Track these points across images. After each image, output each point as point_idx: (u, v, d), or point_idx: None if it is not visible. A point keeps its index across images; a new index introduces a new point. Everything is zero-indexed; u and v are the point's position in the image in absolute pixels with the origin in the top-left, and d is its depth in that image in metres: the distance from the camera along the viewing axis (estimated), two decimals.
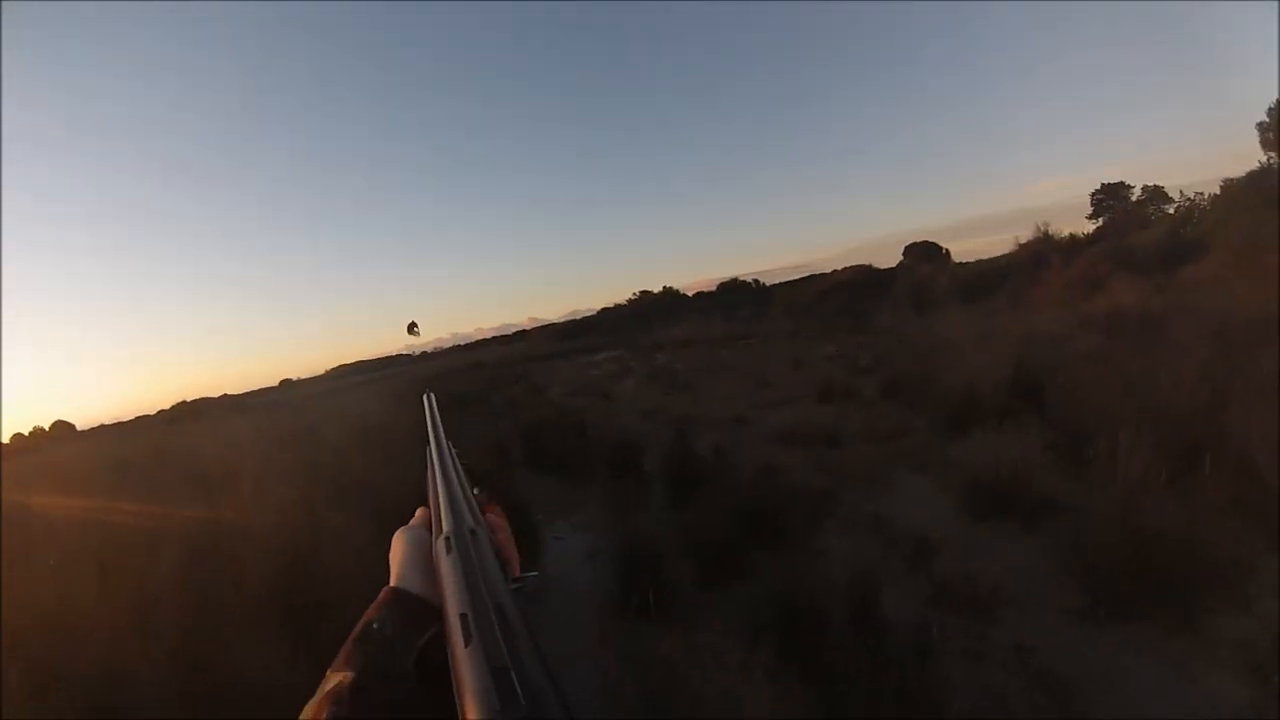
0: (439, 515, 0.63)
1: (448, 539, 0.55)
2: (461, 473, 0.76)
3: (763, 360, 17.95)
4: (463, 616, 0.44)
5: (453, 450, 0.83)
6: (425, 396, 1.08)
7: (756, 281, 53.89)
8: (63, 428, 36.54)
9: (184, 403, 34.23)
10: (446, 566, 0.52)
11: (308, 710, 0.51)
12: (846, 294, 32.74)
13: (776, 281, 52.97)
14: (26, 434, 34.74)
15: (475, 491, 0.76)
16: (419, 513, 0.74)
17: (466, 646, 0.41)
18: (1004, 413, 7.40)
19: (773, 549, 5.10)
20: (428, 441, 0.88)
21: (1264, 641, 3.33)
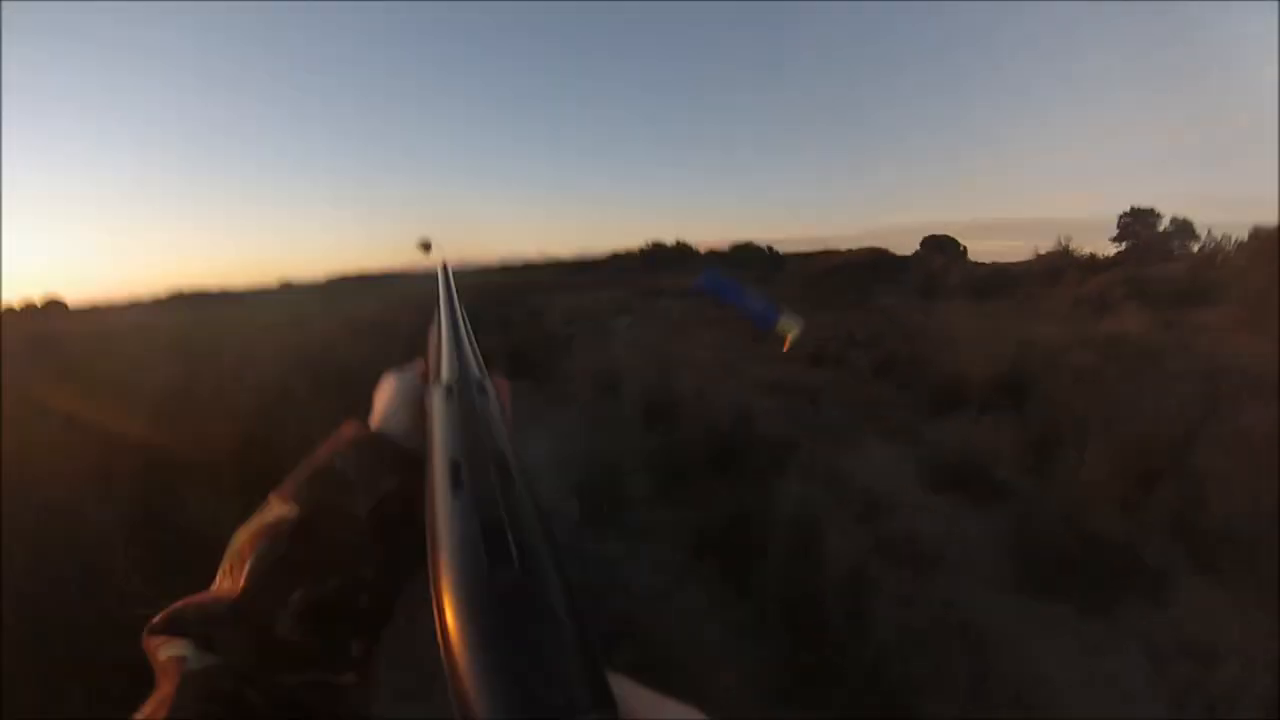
0: (439, 367, 0.57)
1: (449, 388, 0.49)
2: (472, 334, 0.66)
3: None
4: (454, 463, 0.38)
5: (465, 316, 0.72)
6: (440, 266, 0.95)
7: (770, 248, 53.56)
8: (55, 304, 36.25)
9: (180, 293, 34.02)
10: (443, 410, 0.46)
11: (241, 534, 0.49)
12: (857, 272, 32.73)
13: (791, 251, 52.72)
14: (16, 308, 34.56)
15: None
16: (415, 364, 0.68)
17: (454, 492, 0.36)
18: (985, 405, 7.63)
19: (732, 482, 5.32)
20: (437, 302, 0.78)
21: (1167, 637, 3.62)
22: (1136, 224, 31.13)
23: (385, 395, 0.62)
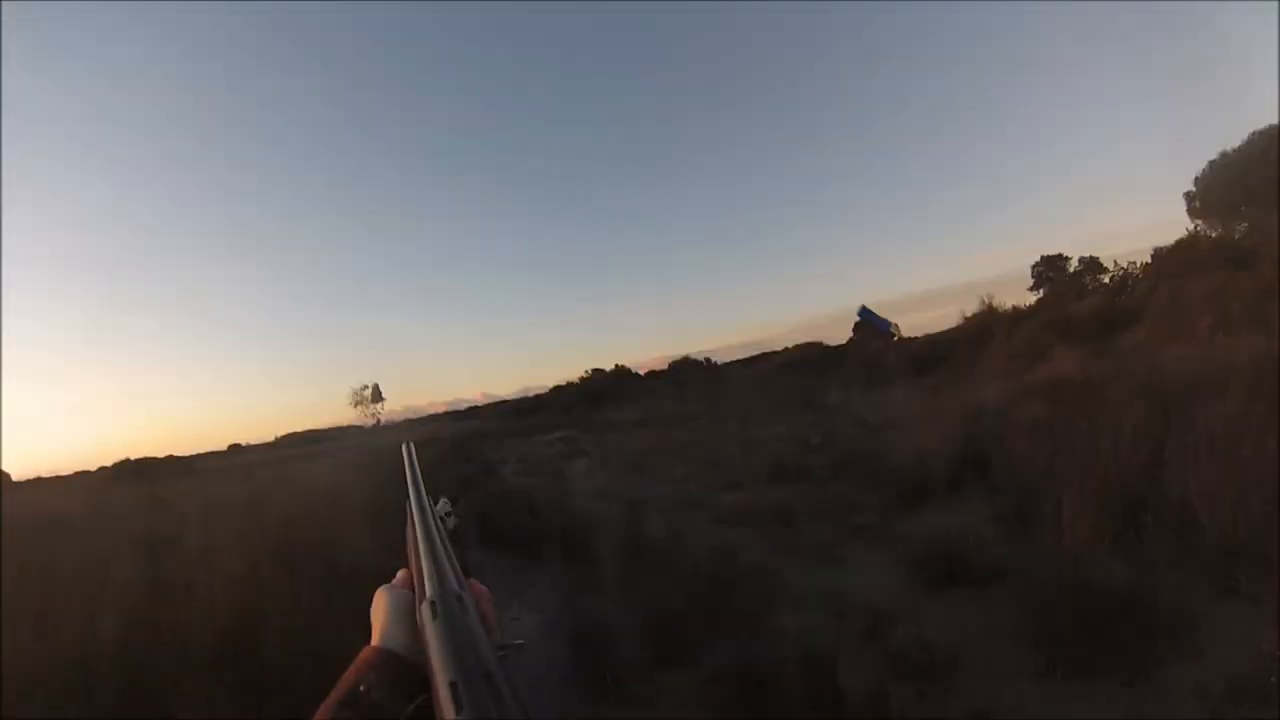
0: (422, 578, 0.62)
1: (433, 604, 0.54)
2: (444, 533, 0.74)
3: (714, 440, 18.10)
4: (453, 685, 0.43)
5: (433, 508, 0.81)
6: (404, 446, 1.02)
7: (708, 360, 54.63)
8: None
9: (127, 461, 32.74)
10: (433, 632, 0.51)
11: None
12: (797, 371, 33.40)
13: (729, 360, 53.80)
14: None
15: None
16: (400, 574, 0.74)
17: (458, 716, 0.41)
18: (952, 485, 7.64)
19: (727, 627, 5.11)
20: (407, 496, 0.85)
21: (1218, 685, 3.49)
22: (1049, 269, 32.99)
23: (380, 612, 0.66)
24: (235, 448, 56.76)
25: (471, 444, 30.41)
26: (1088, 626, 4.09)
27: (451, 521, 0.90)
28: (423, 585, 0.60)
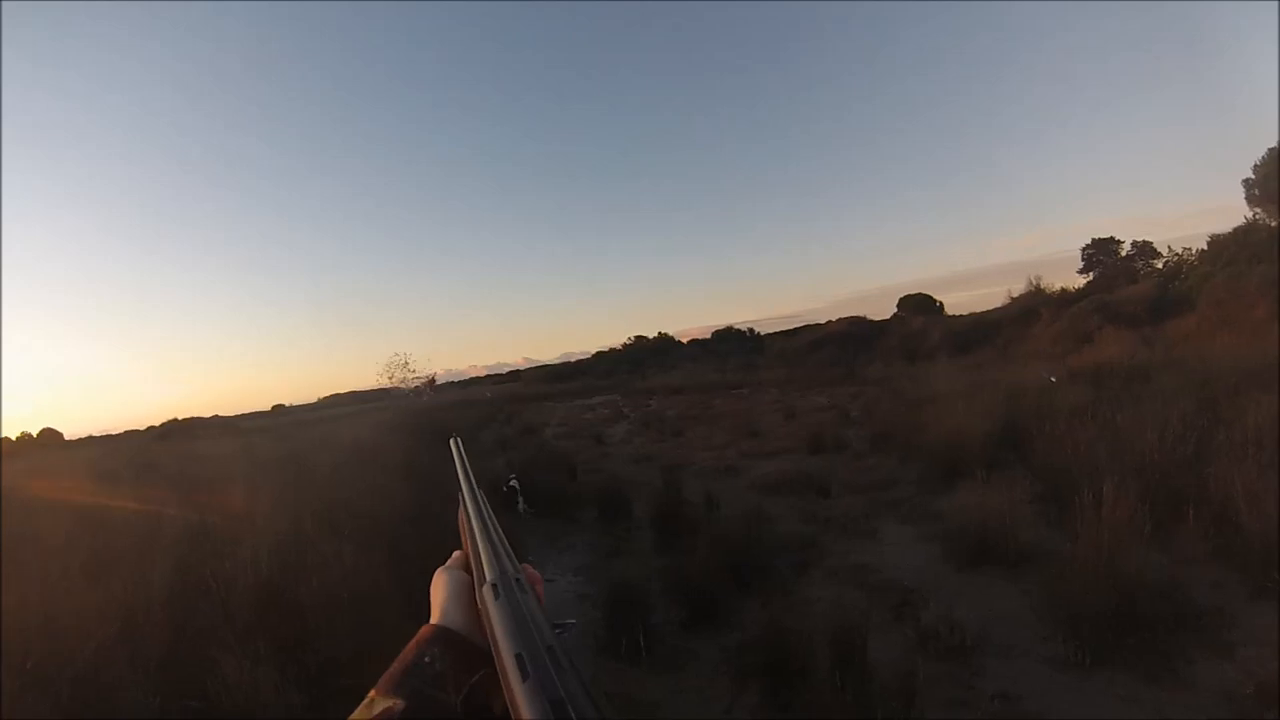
0: (479, 561, 0.64)
1: (494, 586, 0.57)
2: (495, 520, 0.74)
3: (755, 409, 18.03)
4: (518, 656, 0.46)
5: (483, 496, 0.81)
6: (452, 441, 1.02)
7: (751, 330, 54.29)
8: (51, 436, 36.03)
9: (175, 420, 33.95)
10: (496, 611, 0.54)
11: None
12: (839, 345, 32.96)
13: (771, 331, 53.35)
14: (14, 439, 34.41)
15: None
16: (455, 555, 0.75)
17: (525, 681, 0.43)
18: (991, 465, 7.47)
19: (759, 596, 5.10)
20: (459, 486, 0.85)
21: (1246, 687, 3.38)
22: (1100, 253, 31.81)
23: (440, 592, 0.67)
24: (279, 408, 58.28)
25: (512, 407, 30.76)
26: (1119, 617, 3.99)
27: (520, 505, 0.87)
28: (481, 569, 0.63)
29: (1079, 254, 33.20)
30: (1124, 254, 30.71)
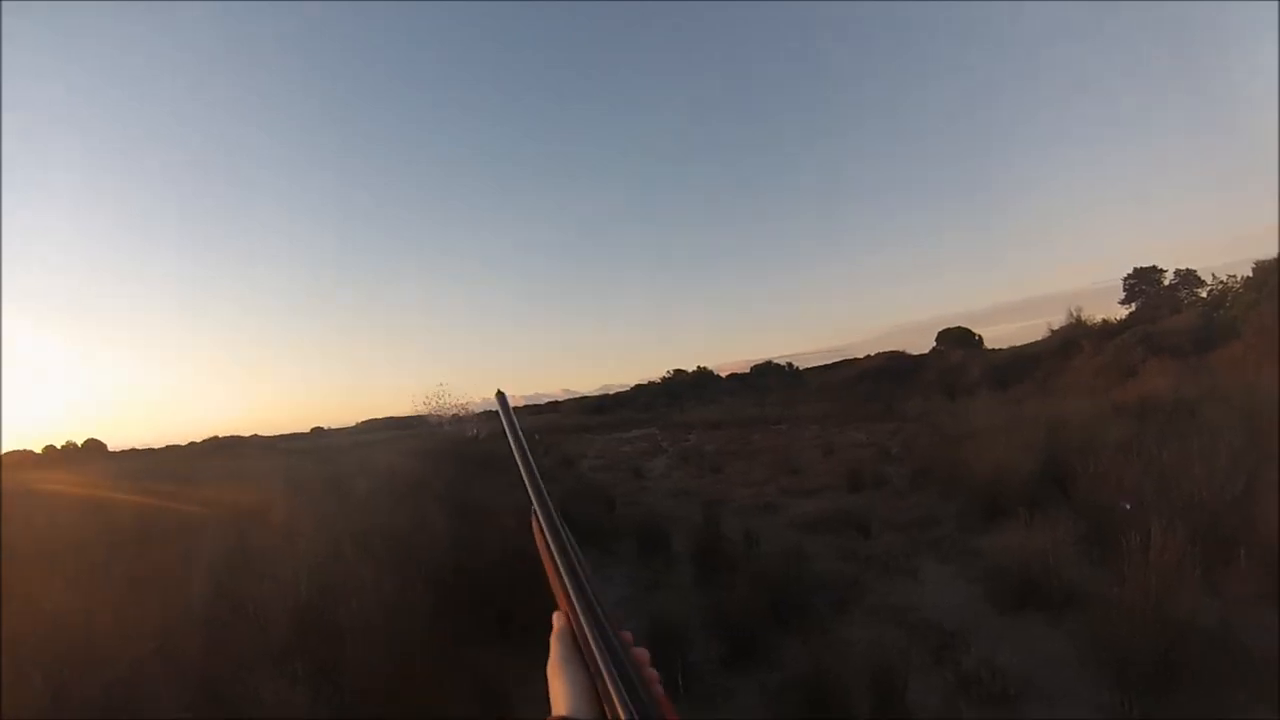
0: (587, 641, 0.65)
1: (619, 685, 0.57)
2: (583, 562, 0.73)
3: (793, 445, 17.85)
4: None
5: (568, 532, 0.75)
6: (497, 396, 0.86)
7: (790, 365, 53.92)
8: (95, 446, 36.87)
9: (216, 438, 34.72)
10: (619, 692, 0.56)
11: None
12: (878, 379, 32.59)
13: (809, 365, 52.95)
14: (59, 447, 35.27)
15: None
16: (557, 621, 0.74)
17: None
18: (1033, 502, 7.29)
19: (798, 634, 5.02)
20: (536, 515, 0.78)
21: None
22: (1142, 283, 31.10)
23: (561, 683, 0.66)
24: (318, 430, 59.23)
25: (550, 438, 30.86)
26: (1168, 664, 3.84)
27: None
28: (590, 650, 0.63)
29: (1120, 284, 32.56)
30: (1167, 283, 30.01)
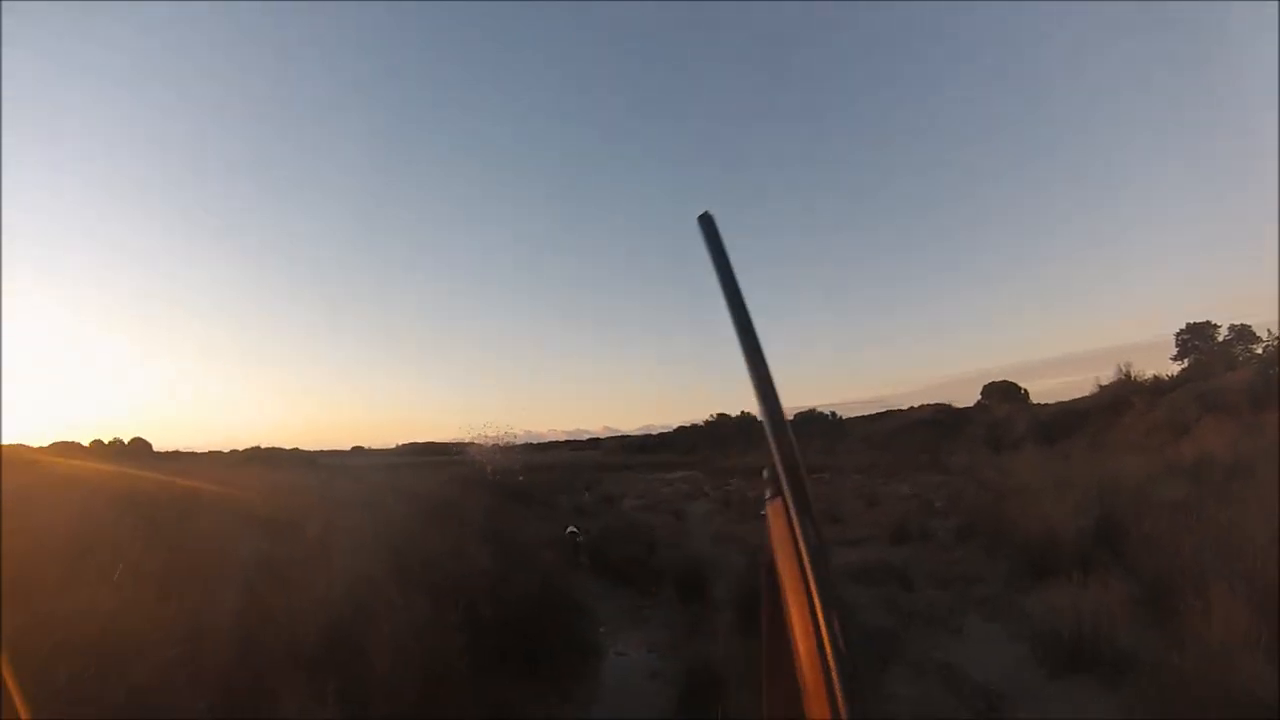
0: (823, 639, 0.54)
1: (849, 687, 0.50)
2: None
3: (836, 494, 17.48)
4: None
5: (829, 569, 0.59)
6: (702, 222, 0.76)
7: (833, 413, 53.14)
8: (141, 445, 37.32)
9: (258, 448, 35.13)
10: None
11: None
12: (923, 431, 31.87)
13: (853, 415, 52.12)
14: (106, 442, 35.88)
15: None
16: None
17: None
18: (1084, 562, 6.98)
19: None
20: (780, 487, 0.63)
21: None
22: (1195, 338, 30.00)
23: None
24: (358, 449, 59.88)
25: (591, 475, 30.75)
26: None
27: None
28: (827, 648, 0.53)
29: (1173, 339, 31.47)
30: (1221, 339, 28.93)
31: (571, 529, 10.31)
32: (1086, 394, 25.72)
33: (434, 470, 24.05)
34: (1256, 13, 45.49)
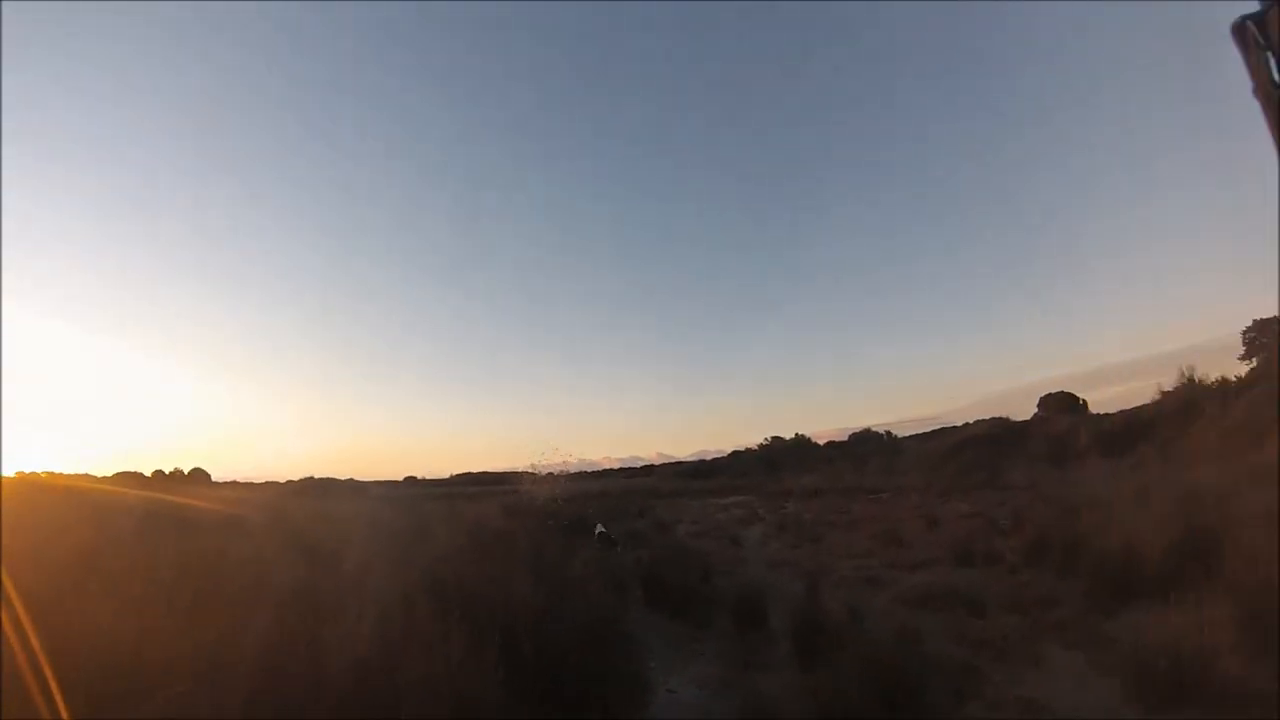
0: None
1: None
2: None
3: (896, 515, 16.78)
4: None
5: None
6: None
7: (888, 433, 51.76)
8: (200, 475, 38.23)
9: (311, 478, 35.63)
10: None
11: None
12: (980, 448, 30.62)
13: (908, 434, 50.68)
14: (168, 472, 36.85)
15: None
16: None
17: None
18: (1168, 581, 6.36)
19: None
20: None
21: None
22: (1262, 335, 27.89)
23: None
24: (410, 479, 60.46)
25: (645, 501, 30.28)
26: None
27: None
28: None
29: (1239, 338, 29.44)
30: None
31: (601, 529, 10.06)
32: (1150, 401, 24.36)
33: (485, 500, 23.89)
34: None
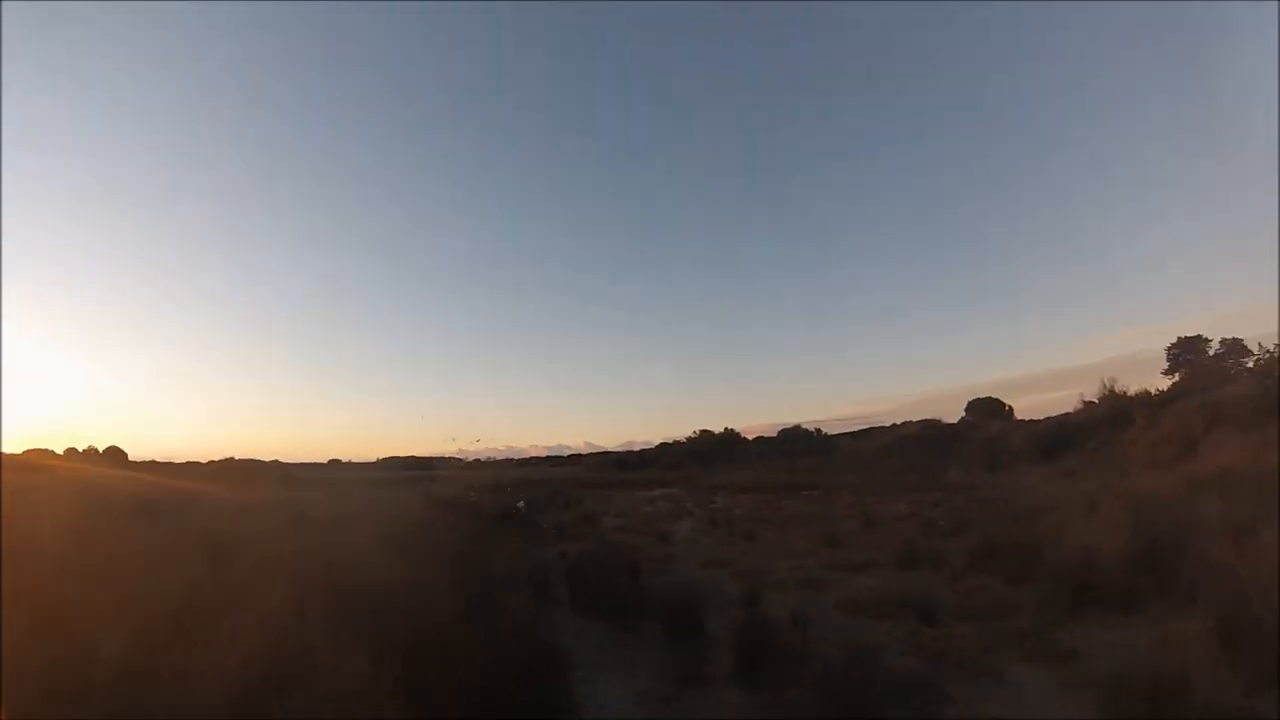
0: None
1: None
2: None
3: (831, 513, 16.66)
4: None
5: None
6: None
7: (818, 430, 52.36)
8: (116, 454, 36.08)
9: (232, 459, 34.03)
10: None
11: None
12: (913, 448, 31.14)
13: (838, 432, 51.40)
14: (80, 450, 34.63)
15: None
16: None
17: None
18: (1127, 590, 6.17)
19: None
20: None
21: None
22: (1186, 352, 29.54)
23: None
24: (334, 462, 58.63)
25: (572, 491, 29.81)
26: None
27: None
28: None
29: (1162, 354, 30.95)
30: (1212, 353, 28.49)
31: (520, 503, 9.64)
32: (1076, 409, 25.14)
33: (410, 486, 23.00)
34: (1256, 12, 45.99)
